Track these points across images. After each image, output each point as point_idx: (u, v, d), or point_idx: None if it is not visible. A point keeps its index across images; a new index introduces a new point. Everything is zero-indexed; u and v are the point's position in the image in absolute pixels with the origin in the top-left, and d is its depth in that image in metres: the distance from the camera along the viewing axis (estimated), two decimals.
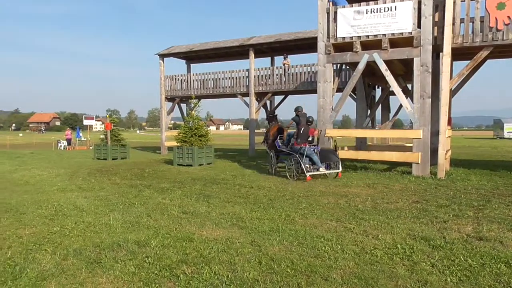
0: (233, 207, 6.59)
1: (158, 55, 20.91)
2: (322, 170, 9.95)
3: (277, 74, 18.43)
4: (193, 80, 20.55)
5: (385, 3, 10.19)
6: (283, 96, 21.07)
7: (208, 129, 15.98)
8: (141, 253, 4.24)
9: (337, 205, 6.67)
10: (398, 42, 10.32)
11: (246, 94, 19.13)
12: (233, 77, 19.58)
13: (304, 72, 17.65)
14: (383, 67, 10.48)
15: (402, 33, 10.05)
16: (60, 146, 28.57)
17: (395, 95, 10.99)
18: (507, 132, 45.41)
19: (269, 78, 18.63)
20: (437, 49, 10.21)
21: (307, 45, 17.38)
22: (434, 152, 10.19)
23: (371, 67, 11.92)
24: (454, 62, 11.58)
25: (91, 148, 24.47)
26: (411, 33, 9.94)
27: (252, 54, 18.61)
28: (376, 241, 4.57)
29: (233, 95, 19.98)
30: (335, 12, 10.88)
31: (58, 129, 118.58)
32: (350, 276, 3.55)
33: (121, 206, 6.78)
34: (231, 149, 26.06)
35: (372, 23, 10.35)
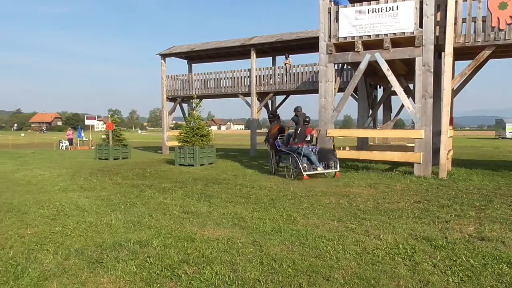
0: (235, 207, 6.59)
1: (160, 55, 20.92)
2: (320, 169, 10.04)
3: (278, 74, 18.42)
4: (195, 80, 20.55)
5: (387, 2, 10.18)
6: (284, 96, 21.06)
7: (210, 129, 16.01)
8: (142, 253, 4.24)
9: (338, 205, 6.66)
10: (399, 42, 10.30)
11: (248, 94, 19.12)
12: (234, 77, 19.57)
13: (306, 72, 17.63)
14: (384, 67, 10.47)
15: (404, 33, 10.03)
16: (62, 146, 28.63)
17: (397, 95, 10.98)
18: (509, 132, 45.33)
19: (270, 78, 18.62)
20: (439, 49, 10.19)
21: (309, 45, 17.35)
22: (436, 152, 10.17)
23: (373, 67, 11.90)
24: (456, 62, 11.55)
25: (92, 148, 24.52)
26: (413, 32, 9.92)
27: (253, 54, 18.60)
28: (377, 241, 4.57)
29: (235, 95, 19.97)
30: (337, 12, 10.87)
31: (59, 129, 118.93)
32: (351, 276, 3.54)
33: (123, 206, 6.79)
34: (232, 149, 26.06)
35: (373, 22, 10.34)
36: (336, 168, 10.16)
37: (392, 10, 10.11)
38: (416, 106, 10.15)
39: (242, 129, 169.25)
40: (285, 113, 18.98)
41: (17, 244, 4.64)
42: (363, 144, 14.96)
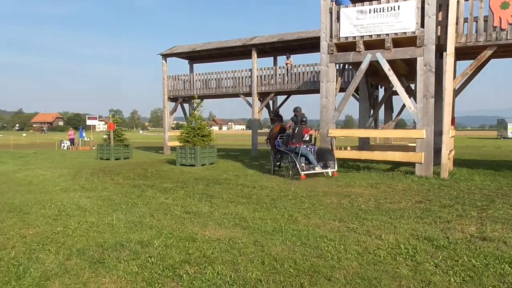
0: (236, 207, 6.59)
1: (161, 55, 20.93)
2: (318, 169, 10.16)
3: (279, 74, 18.41)
4: (196, 80, 20.56)
5: (388, 2, 10.16)
6: (285, 96, 21.06)
7: (211, 129, 16.01)
8: (144, 253, 4.25)
9: (340, 205, 6.66)
10: (401, 41, 10.29)
11: (249, 94, 19.12)
12: (235, 77, 19.57)
13: (307, 72, 17.63)
14: (386, 67, 10.46)
15: (405, 33, 10.02)
16: (63, 146, 28.68)
17: (398, 95, 10.97)
18: (511, 132, 45.25)
19: (271, 78, 18.62)
20: (440, 49, 10.18)
21: (310, 44, 17.35)
22: (437, 152, 10.15)
23: (374, 66, 11.89)
24: (457, 61, 11.54)
25: (94, 148, 24.55)
26: (414, 32, 9.91)
27: (254, 54, 18.60)
28: (379, 241, 4.56)
29: (236, 95, 19.97)
30: (338, 12, 10.87)
31: (61, 129, 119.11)
32: (353, 276, 3.54)
33: (124, 206, 6.80)
34: (233, 149, 26.06)
35: (375, 22, 10.33)
36: (334, 167, 10.24)
37: (394, 10, 10.10)
38: (418, 106, 10.13)
39: (243, 129, 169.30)
40: (287, 113, 18.99)
41: (19, 244, 4.65)
42: (364, 144, 14.95)
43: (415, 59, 10.12)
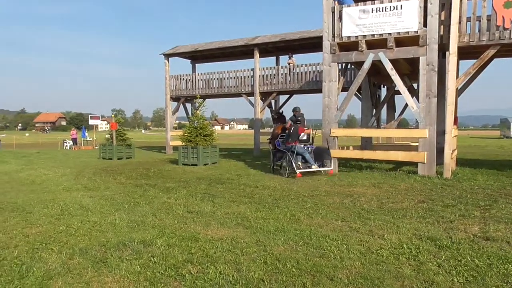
0: (238, 207, 6.59)
1: (163, 54, 20.96)
2: (315, 167, 10.45)
3: (282, 74, 18.40)
4: (198, 80, 20.57)
5: (391, 2, 10.13)
6: (288, 96, 21.04)
7: (213, 128, 16.01)
8: (146, 252, 4.25)
9: (342, 205, 6.65)
10: (403, 41, 10.26)
11: (251, 94, 19.12)
12: (238, 77, 19.57)
13: (309, 72, 17.61)
14: (388, 67, 10.43)
15: (408, 32, 9.99)
16: (66, 145, 28.77)
17: (401, 94, 10.94)
18: None
19: (274, 77, 18.61)
20: (443, 48, 10.14)
21: (312, 44, 17.34)
22: (440, 151, 10.12)
23: (377, 66, 11.86)
24: (460, 61, 11.50)
25: (96, 147, 24.59)
26: (417, 32, 9.88)
27: (257, 54, 18.59)
28: (382, 241, 4.55)
29: (238, 95, 19.97)
30: (340, 11, 10.84)
31: (63, 128, 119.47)
32: (356, 276, 3.53)
33: (127, 206, 6.81)
34: (236, 148, 26.07)
35: (377, 22, 10.30)
36: (330, 166, 10.56)
37: (396, 9, 10.07)
38: (420, 106, 10.11)
39: (246, 128, 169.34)
40: (288, 113, 18.99)
41: (21, 243, 4.67)
42: (366, 143, 14.91)
43: (418, 58, 10.08)
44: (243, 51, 19.62)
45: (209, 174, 11.12)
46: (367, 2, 10.49)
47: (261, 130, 20.05)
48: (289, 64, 18.18)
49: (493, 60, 10.76)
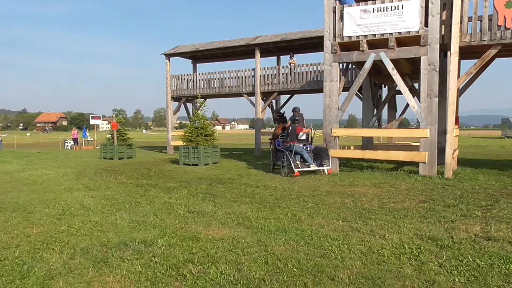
0: (239, 207, 6.59)
1: (164, 54, 20.97)
2: (313, 167, 10.57)
3: (283, 74, 18.40)
4: (199, 80, 20.58)
5: (392, 1, 10.12)
6: (289, 96, 21.03)
7: (214, 128, 16.00)
8: (147, 252, 4.25)
9: (343, 205, 6.64)
10: (405, 41, 10.25)
11: (252, 94, 19.12)
12: (239, 77, 19.57)
13: (310, 71, 17.60)
14: (389, 66, 10.42)
15: (409, 32, 9.98)
16: (67, 145, 28.79)
17: (402, 94, 10.92)
18: None
19: (275, 77, 18.61)
20: (444, 48, 10.13)
21: (313, 44, 17.34)
22: (441, 151, 10.12)
23: (378, 66, 11.85)
24: (461, 61, 11.47)
25: (97, 147, 24.62)
26: (418, 32, 9.87)
27: (258, 54, 18.59)
28: (383, 240, 4.55)
29: (239, 95, 19.98)
30: (342, 11, 10.84)
31: (64, 128, 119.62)
32: (357, 276, 3.53)
33: (128, 206, 6.81)
34: (237, 148, 26.07)
35: (378, 22, 10.29)
36: (328, 165, 10.63)
37: (397, 9, 10.06)
38: (422, 105, 10.10)
39: (247, 128, 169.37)
40: (289, 112, 19.00)
41: (23, 243, 4.67)
42: (368, 143, 14.90)
43: (419, 58, 10.07)
44: (244, 51, 19.62)
45: (210, 174, 11.12)
46: (368, 2, 10.48)
47: (262, 130, 20.04)
48: (290, 64, 18.18)
49: (494, 60, 10.73)
